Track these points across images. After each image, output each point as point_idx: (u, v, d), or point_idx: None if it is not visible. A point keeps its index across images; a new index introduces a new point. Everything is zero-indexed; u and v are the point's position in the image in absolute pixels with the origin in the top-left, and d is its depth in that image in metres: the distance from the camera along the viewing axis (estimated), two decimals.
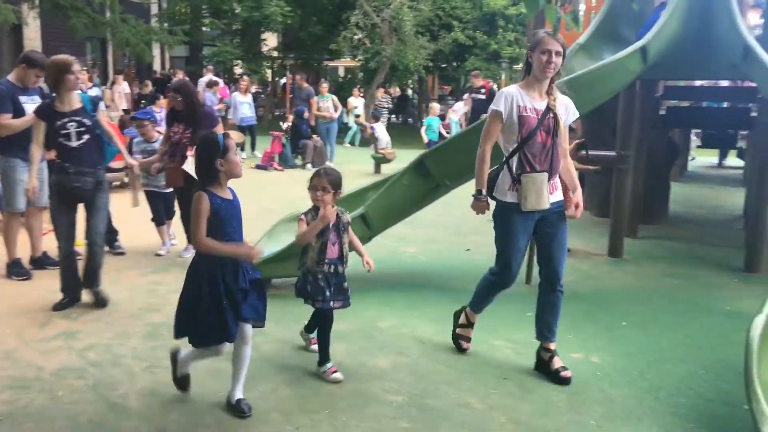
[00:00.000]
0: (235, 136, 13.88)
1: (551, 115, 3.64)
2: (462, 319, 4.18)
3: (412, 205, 5.45)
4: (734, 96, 8.39)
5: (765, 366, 2.93)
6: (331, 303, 3.65)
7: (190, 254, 6.09)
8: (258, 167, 12.48)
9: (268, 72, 23.99)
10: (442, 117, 15.33)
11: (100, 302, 4.76)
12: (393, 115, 19.12)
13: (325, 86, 14.41)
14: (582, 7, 8.82)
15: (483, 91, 14.20)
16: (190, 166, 5.57)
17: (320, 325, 3.78)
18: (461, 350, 4.13)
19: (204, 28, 23.48)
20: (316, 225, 3.55)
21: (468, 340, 4.16)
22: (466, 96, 15.96)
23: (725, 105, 9.27)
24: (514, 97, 3.64)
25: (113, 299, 4.92)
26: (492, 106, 3.70)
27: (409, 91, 25.63)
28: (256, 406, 3.34)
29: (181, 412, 3.31)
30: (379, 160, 12.27)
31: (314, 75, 23.48)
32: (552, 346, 3.84)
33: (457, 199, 6.60)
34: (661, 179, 8.16)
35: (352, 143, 17.38)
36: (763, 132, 6.31)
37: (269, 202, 8.95)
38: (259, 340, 4.28)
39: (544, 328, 3.84)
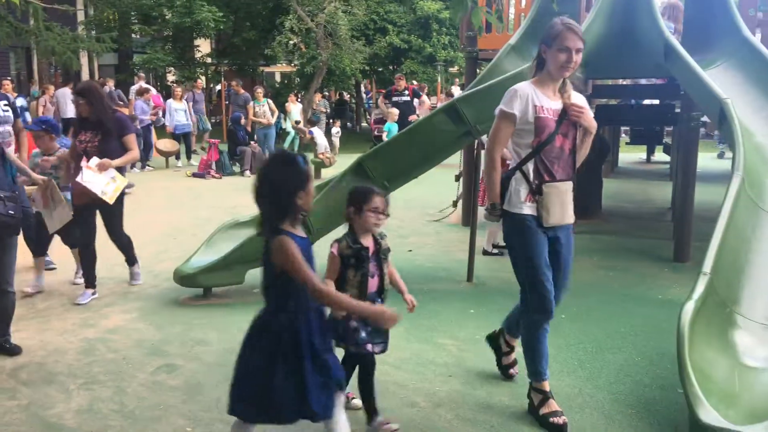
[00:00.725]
0: (169, 145, 13.64)
1: (569, 115, 3.20)
2: (535, 394, 3.34)
3: None
4: (659, 94, 8.72)
5: (696, 351, 3.05)
6: (368, 346, 3.05)
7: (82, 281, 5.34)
8: (195, 175, 12.24)
9: (203, 78, 23.57)
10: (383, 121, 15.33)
11: (10, 352, 4.14)
12: (331, 120, 19.07)
13: (260, 91, 14.25)
14: (512, 10, 9.02)
15: (407, 92, 14.33)
16: (89, 180, 4.91)
17: (361, 373, 3.19)
18: None
19: (133, 35, 22.90)
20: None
21: (561, 415, 3.24)
22: (380, 98, 15.85)
23: (645, 102, 9.63)
24: (529, 96, 3.17)
25: (45, 315, 4.72)
26: (502, 107, 3.23)
27: (347, 96, 25.65)
28: (199, 417, 3.27)
29: (120, 429, 3.21)
30: (319, 165, 12.24)
31: (250, 81, 23.21)
32: (515, 342, 3.71)
33: (397, 201, 6.64)
34: (593, 175, 8.40)
35: (291, 149, 17.26)
36: (687, 127, 6.58)
37: (207, 211, 8.79)
38: (202, 350, 4.21)
39: (515, 329, 3.61)
